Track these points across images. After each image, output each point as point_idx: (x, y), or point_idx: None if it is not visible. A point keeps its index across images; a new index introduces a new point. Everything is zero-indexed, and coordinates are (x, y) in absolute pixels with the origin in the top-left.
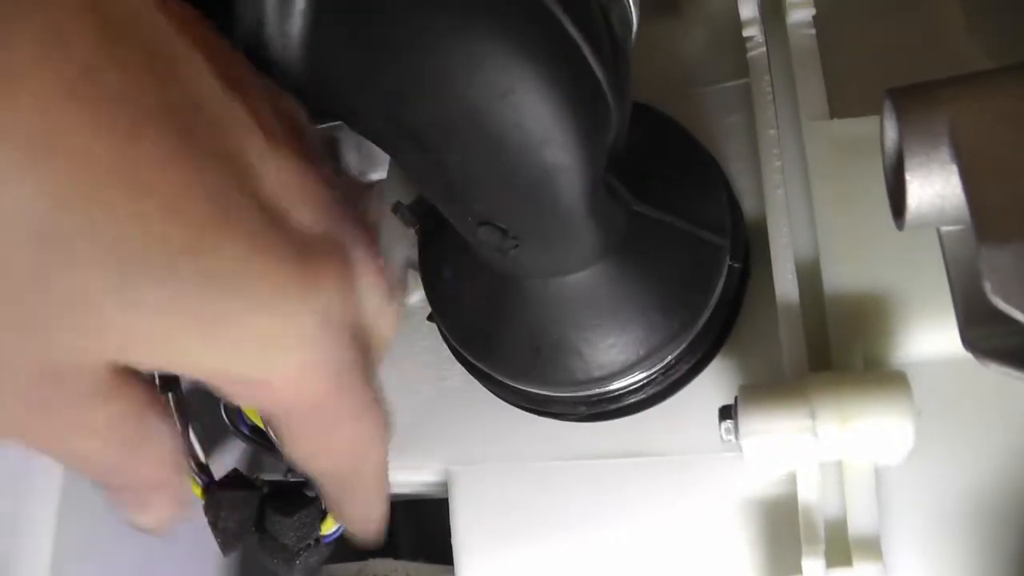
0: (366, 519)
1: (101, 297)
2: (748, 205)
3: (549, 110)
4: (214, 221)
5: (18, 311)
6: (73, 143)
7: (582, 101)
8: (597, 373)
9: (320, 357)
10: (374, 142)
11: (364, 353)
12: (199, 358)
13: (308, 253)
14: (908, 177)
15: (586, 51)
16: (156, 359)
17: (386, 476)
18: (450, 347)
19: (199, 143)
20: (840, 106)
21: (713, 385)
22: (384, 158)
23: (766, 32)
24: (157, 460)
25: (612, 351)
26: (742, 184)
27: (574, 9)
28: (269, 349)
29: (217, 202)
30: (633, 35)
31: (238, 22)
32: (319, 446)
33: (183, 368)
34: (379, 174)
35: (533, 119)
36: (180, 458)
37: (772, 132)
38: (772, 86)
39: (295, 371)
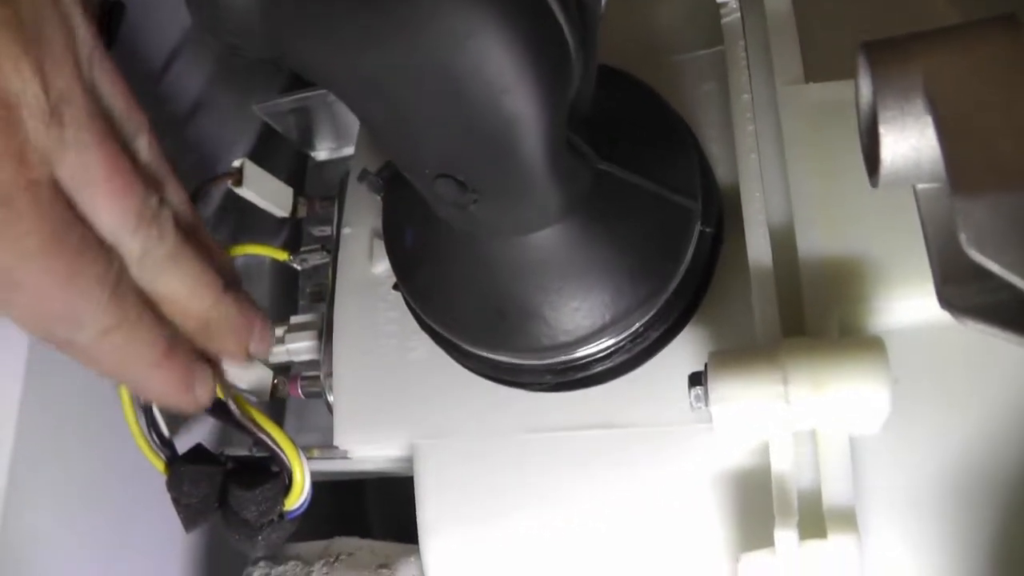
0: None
1: None
2: (722, 172)
3: (509, 57)
4: None
5: None
6: None
7: (543, 49)
8: (562, 339)
9: None
10: (335, 93)
11: None
12: None
13: None
14: (882, 131)
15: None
16: None
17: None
18: (415, 316)
19: None
20: (816, 71)
21: (684, 354)
22: (354, 135)
23: None
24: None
25: (577, 315)
26: (716, 151)
27: None
28: None
29: None
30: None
31: None
32: None
33: None
34: (349, 149)
35: (492, 66)
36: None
37: (745, 97)
38: (747, 51)
39: None
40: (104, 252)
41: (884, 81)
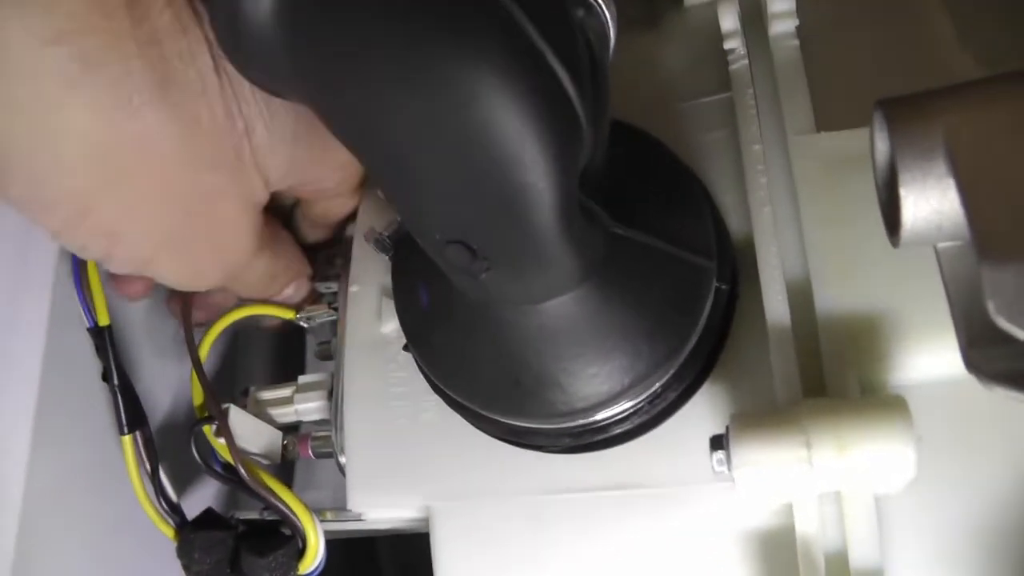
0: None
1: None
2: (734, 224)
3: (513, 122)
4: None
5: None
6: None
7: (550, 114)
8: (580, 405)
9: None
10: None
11: None
12: None
13: None
14: (903, 192)
15: (552, 60)
16: None
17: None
18: (426, 378)
19: None
20: (827, 119)
21: (703, 412)
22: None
23: (748, 44)
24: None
25: (595, 381)
26: (727, 202)
27: (542, 20)
28: None
29: None
30: (611, 50)
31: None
32: None
33: None
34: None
35: (497, 132)
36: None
37: (757, 148)
38: (755, 100)
39: None
40: None
41: (903, 141)
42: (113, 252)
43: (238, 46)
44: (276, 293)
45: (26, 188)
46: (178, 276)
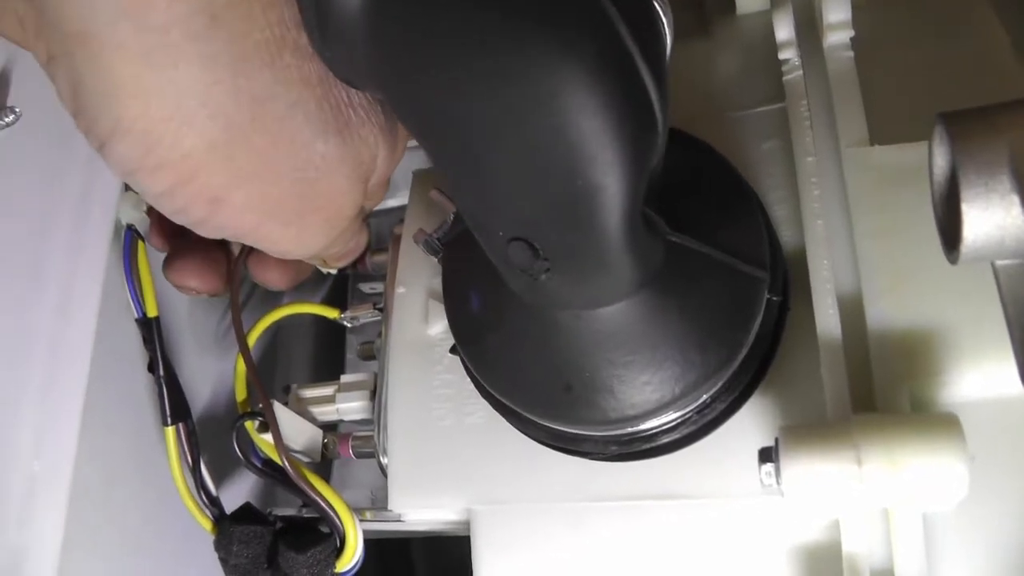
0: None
1: None
2: (785, 235)
3: (594, 120)
4: None
5: None
6: None
7: (631, 116)
8: (630, 412)
9: None
10: (416, 135)
11: None
12: None
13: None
14: (965, 208)
15: (639, 62)
16: None
17: None
18: (474, 381)
19: None
20: (881, 132)
21: (751, 424)
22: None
23: (802, 55)
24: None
25: (647, 389)
26: (779, 213)
27: (633, 21)
28: None
29: None
30: (668, 54)
31: None
32: None
33: None
34: (394, 201)
35: (576, 129)
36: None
37: (810, 159)
38: (809, 111)
39: None
40: None
41: (966, 156)
42: (213, 218)
43: (323, 25)
44: (351, 257)
45: (135, 145)
46: (280, 244)
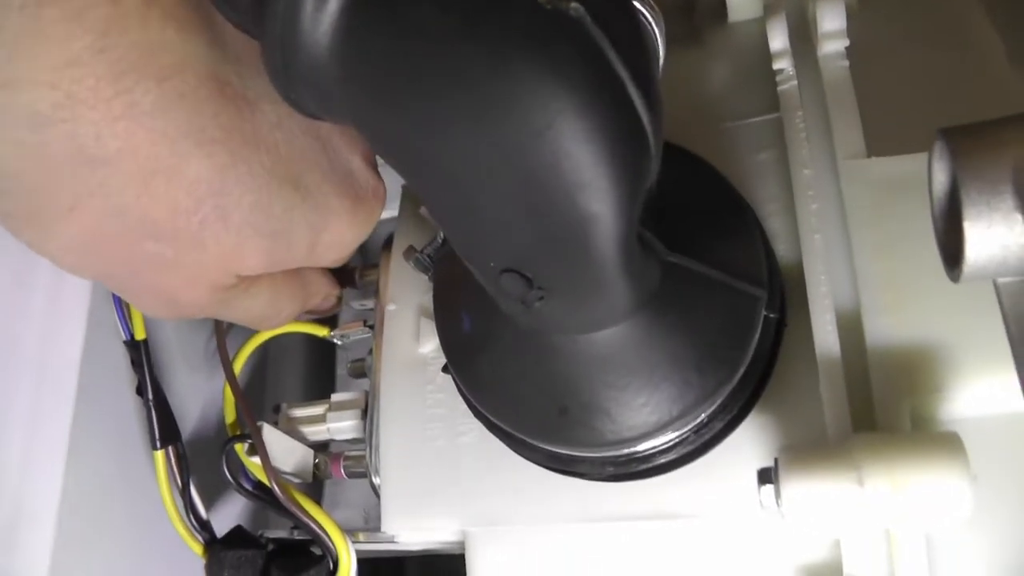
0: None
1: None
2: (782, 249)
3: (588, 150)
4: None
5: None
6: None
7: (624, 142)
8: (628, 434)
9: None
10: (401, 172)
11: None
12: None
13: None
14: (967, 226)
15: (630, 87)
16: None
17: None
18: (466, 401)
19: None
20: (878, 143)
21: (748, 443)
22: (394, 195)
23: (797, 64)
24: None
25: (644, 411)
26: (775, 227)
27: (622, 45)
28: None
29: None
30: (660, 68)
31: (269, 16)
32: None
33: None
34: (389, 212)
35: (570, 160)
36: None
37: (807, 172)
38: (805, 122)
39: None
40: None
41: (969, 173)
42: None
43: (290, 62)
44: (286, 320)
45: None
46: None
